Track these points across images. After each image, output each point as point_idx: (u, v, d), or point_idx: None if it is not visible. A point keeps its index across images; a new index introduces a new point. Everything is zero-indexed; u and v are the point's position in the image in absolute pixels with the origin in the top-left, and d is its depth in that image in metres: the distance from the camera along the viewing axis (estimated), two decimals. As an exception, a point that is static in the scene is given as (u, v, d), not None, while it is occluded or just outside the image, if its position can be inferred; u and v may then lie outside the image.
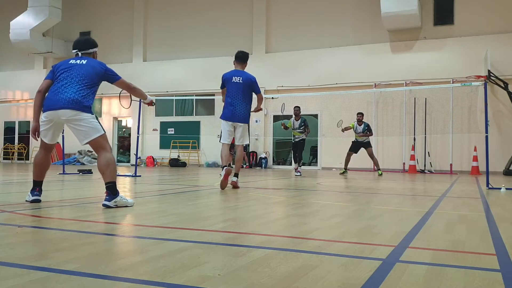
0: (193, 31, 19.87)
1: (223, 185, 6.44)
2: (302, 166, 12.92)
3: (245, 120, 6.72)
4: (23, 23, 20.27)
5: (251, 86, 6.76)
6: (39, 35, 20.80)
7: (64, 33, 21.94)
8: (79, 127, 4.26)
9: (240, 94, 6.68)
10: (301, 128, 11.87)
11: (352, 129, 12.59)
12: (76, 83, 4.31)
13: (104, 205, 4.19)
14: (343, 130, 12.58)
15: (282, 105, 12.35)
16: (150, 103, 5.44)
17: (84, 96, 4.29)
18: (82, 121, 4.24)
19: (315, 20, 17.84)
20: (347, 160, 12.67)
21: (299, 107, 12.08)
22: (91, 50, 4.70)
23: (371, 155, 12.49)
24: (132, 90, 4.91)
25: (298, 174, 11.59)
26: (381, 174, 12.45)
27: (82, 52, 4.64)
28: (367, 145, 12.51)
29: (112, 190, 4.21)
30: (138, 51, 20.81)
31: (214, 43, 19.40)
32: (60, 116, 4.24)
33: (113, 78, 4.57)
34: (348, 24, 17.39)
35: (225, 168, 6.39)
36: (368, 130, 12.50)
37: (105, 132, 4.42)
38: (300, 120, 11.89)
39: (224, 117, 6.75)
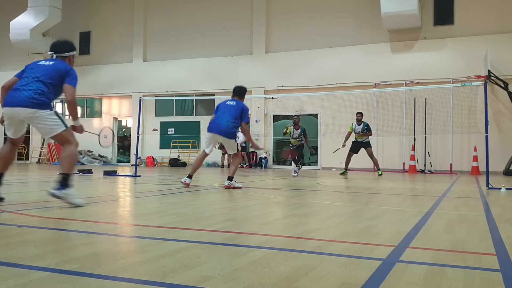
0: (193, 31, 19.87)
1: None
2: (302, 167, 12.85)
3: (228, 135, 6.81)
4: (23, 23, 20.27)
5: (241, 111, 6.89)
6: (39, 35, 20.80)
7: (64, 33, 21.93)
8: (38, 124, 4.29)
9: (227, 112, 6.86)
10: (299, 137, 11.73)
11: (352, 130, 12.54)
12: (36, 82, 4.32)
13: (51, 193, 4.15)
14: (343, 145, 12.48)
15: (296, 109, 12.30)
16: (79, 130, 4.71)
17: (41, 93, 4.28)
18: (39, 119, 4.25)
19: (315, 20, 17.84)
20: (347, 161, 12.66)
21: (298, 116, 12.03)
22: (67, 54, 4.66)
23: (370, 155, 12.47)
24: (70, 103, 4.48)
25: (295, 175, 11.55)
26: (381, 174, 12.44)
27: (58, 55, 4.60)
28: (367, 145, 12.48)
29: (63, 181, 4.18)
30: (138, 51, 20.80)
31: (214, 43, 19.40)
32: (18, 114, 4.26)
33: (69, 80, 4.42)
34: (348, 24, 17.39)
35: (186, 180, 6.94)
36: (367, 130, 12.45)
37: (67, 126, 4.37)
38: (299, 129, 11.70)
39: (208, 129, 6.99)
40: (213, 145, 7.10)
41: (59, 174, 4.21)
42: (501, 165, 14.12)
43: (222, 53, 19.18)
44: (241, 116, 6.88)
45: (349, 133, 12.51)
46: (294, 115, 12.15)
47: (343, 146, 12.50)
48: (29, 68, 4.49)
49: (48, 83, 4.35)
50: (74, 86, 4.48)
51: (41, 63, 4.52)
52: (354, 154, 12.67)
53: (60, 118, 4.38)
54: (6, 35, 20.92)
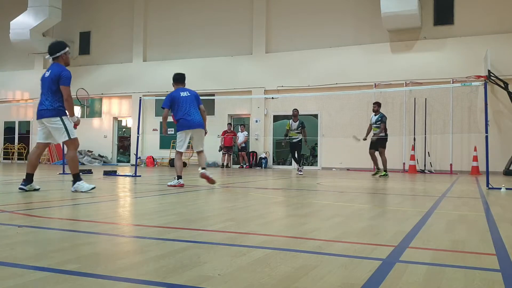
0: (193, 31, 19.87)
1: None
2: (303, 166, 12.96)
3: (202, 125, 7.23)
4: (23, 23, 20.26)
5: (197, 98, 7.28)
6: (39, 35, 20.79)
7: (64, 33, 21.92)
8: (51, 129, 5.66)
9: (192, 105, 7.14)
10: (298, 129, 11.98)
11: (371, 123, 11.72)
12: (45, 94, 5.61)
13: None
14: (365, 138, 11.62)
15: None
16: (75, 125, 5.84)
17: (51, 101, 5.55)
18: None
19: (315, 20, 17.83)
20: (373, 160, 11.58)
21: (297, 109, 12.31)
22: (57, 54, 5.67)
23: (381, 153, 11.47)
24: (66, 101, 5.60)
25: (301, 173, 11.78)
26: (385, 175, 11.54)
27: (52, 57, 5.67)
28: (381, 143, 11.41)
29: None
30: (138, 51, 20.80)
31: (214, 43, 19.40)
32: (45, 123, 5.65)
33: (62, 82, 5.52)
34: (348, 24, 17.39)
35: (179, 182, 7.02)
36: (381, 122, 11.46)
37: (71, 136, 5.62)
38: (298, 122, 11.98)
39: (183, 128, 7.10)
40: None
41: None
42: (501, 165, 14.11)
43: (222, 53, 19.17)
44: (198, 101, 7.26)
45: (370, 126, 11.74)
46: (294, 109, 12.36)
47: (364, 139, 11.66)
48: (41, 83, 5.72)
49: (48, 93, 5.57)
50: (67, 85, 5.56)
51: (45, 75, 5.67)
52: (376, 151, 11.57)
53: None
54: (6, 35, 20.91)
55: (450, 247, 2.66)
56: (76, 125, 5.82)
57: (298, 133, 11.98)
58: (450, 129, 15.40)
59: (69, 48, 5.94)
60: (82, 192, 5.54)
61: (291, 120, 12.15)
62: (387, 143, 11.69)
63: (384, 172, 11.53)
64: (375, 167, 11.68)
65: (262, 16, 18.62)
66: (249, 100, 18.11)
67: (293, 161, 13.04)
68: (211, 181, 7.04)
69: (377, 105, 11.88)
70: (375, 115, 11.79)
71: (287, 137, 12.14)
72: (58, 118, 5.55)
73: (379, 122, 11.56)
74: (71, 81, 5.66)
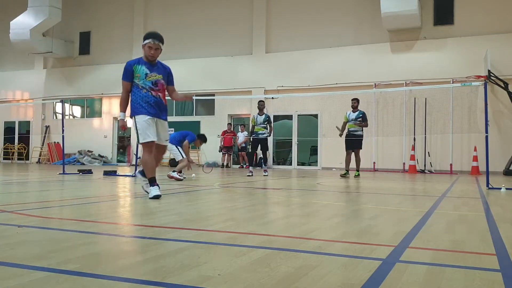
0: (193, 31, 19.88)
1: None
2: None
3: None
4: (23, 23, 20.27)
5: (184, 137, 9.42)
6: (39, 35, 20.79)
7: (64, 33, 21.93)
8: None
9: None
10: (264, 123, 11.36)
11: (347, 120, 11.18)
12: None
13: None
14: (340, 135, 11.26)
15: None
16: (122, 127, 5.34)
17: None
18: None
19: (315, 20, 17.84)
20: (347, 160, 11.24)
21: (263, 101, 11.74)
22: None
23: (356, 154, 11.15)
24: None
25: (250, 174, 11.21)
26: (358, 175, 11.29)
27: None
28: (358, 144, 11.02)
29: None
30: (138, 51, 20.77)
31: (214, 43, 19.40)
32: None
33: None
34: (348, 24, 17.39)
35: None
36: (362, 120, 11.01)
37: (140, 140, 5.21)
38: (264, 116, 11.33)
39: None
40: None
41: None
42: (501, 165, 14.12)
43: (222, 53, 19.17)
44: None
45: (345, 123, 11.25)
46: (260, 100, 11.78)
47: (340, 135, 11.30)
48: None
49: None
50: (123, 79, 5.27)
51: None
52: (353, 152, 11.22)
53: (138, 130, 5.18)
54: (6, 35, 20.92)
55: (450, 247, 2.65)
56: (122, 127, 5.28)
57: (264, 127, 11.28)
58: (450, 129, 15.40)
59: (151, 41, 5.48)
60: (149, 196, 5.12)
61: (256, 114, 11.45)
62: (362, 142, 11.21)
63: (357, 172, 11.28)
64: (346, 168, 11.18)
65: (262, 16, 18.63)
66: (249, 100, 18.12)
67: (267, 161, 12.08)
68: (177, 179, 8.59)
69: (357, 101, 11.34)
70: (353, 112, 11.23)
71: (253, 134, 11.37)
72: (133, 119, 5.18)
73: (359, 119, 11.08)
74: (125, 75, 5.21)
